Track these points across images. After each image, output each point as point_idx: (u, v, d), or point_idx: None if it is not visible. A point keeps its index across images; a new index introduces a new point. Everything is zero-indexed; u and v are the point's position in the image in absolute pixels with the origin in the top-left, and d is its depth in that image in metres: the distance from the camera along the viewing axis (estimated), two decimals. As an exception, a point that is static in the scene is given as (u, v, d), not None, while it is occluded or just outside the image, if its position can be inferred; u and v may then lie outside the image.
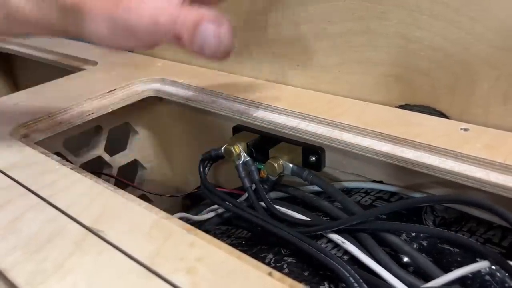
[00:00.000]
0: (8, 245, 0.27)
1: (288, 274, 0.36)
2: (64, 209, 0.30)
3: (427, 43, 0.42)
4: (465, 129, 0.40)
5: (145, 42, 0.29)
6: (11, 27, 0.32)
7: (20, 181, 0.34)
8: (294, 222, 0.42)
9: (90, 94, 0.52)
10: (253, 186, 0.47)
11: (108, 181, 0.56)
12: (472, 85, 0.41)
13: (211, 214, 0.50)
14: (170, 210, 0.45)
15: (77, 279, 0.24)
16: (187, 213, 0.51)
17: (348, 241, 0.38)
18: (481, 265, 0.31)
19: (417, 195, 0.43)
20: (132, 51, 0.73)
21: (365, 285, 0.33)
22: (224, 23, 0.27)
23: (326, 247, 0.39)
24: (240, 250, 0.26)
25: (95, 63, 0.67)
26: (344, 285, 0.34)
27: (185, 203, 0.64)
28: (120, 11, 0.28)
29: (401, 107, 0.46)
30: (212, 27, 0.27)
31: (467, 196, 0.37)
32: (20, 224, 0.29)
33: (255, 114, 0.48)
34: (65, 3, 0.29)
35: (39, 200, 0.32)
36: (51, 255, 0.26)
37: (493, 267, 0.33)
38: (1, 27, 0.32)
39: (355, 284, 0.32)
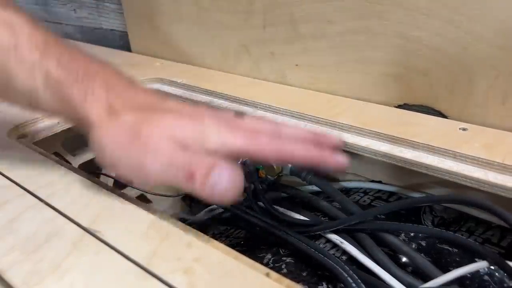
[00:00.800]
0: (6, 245, 0.27)
1: (287, 274, 0.36)
2: (61, 209, 0.30)
3: (426, 42, 0.42)
4: (464, 129, 0.40)
5: (152, 180, 0.28)
6: (30, 109, 0.32)
7: (18, 181, 0.34)
8: (293, 222, 0.42)
9: (88, 94, 0.52)
10: (252, 186, 0.47)
11: (106, 181, 0.56)
12: (471, 85, 0.41)
13: (209, 215, 0.49)
14: (169, 210, 0.45)
15: (74, 280, 0.24)
16: (186, 213, 0.51)
17: (347, 241, 0.38)
18: (480, 265, 0.31)
19: (416, 194, 0.43)
20: (130, 51, 0.74)
21: (363, 285, 0.33)
22: (237, 171, 0.27)
23: (324, 247, 0.39)
24: (238, 251, 0.26)
25: (94, 63, 0.67)
26: (342, 285, 0.34)
27: (184, 203, 0.64)
28: (135, 151, 0.28)
29: (399, 106, 0.46)
30: (227, 171, 0.26)
31: (466, 196, 0.36)
32: (17, 224, 0.29)
33: (254, 114, 0.48)
34: (88, 119, 0.30)
35: (37, 200, 0.31)
36: (48, 256, 0.26)
37: (492, 267, 0.33)
38: (20, 106, 0.32)
39: (353, 284, 0.32)
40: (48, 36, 0.31)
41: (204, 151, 0.28)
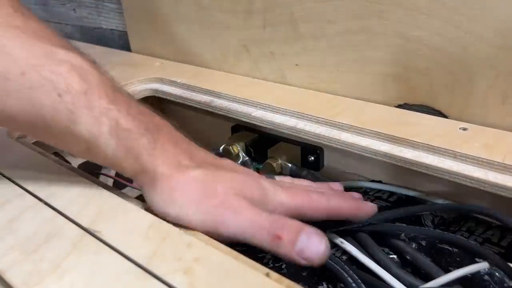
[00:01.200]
0: (5, 246, 0.27)
1: (286, 275, 0.36)
2: (61, 209, 0.30)
3: (426, 42, 0.42)
4: (464, 129, 0.40)
5: (232, 237, 0.29)
6: (84, 156, 0.32)
7: (17, 181, 0.34)
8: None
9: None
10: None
11: (106, 181, 0.56)
12: (471, 85, 0.41)
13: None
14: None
15: (74, 280, 0.24)
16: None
17: (347, 241, 0.38)
18: (480, 266, 0.31)
19: (416, 195, 0.43)
20: (130, 51, 0.73)
21: (363, 286, 0.33)
22: (324, 235, 0.28)
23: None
24: (238, 250, 0.26)
25: (93, 63, 0.66)
26: (342, 285, 0.34)
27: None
28: (212, 207, 0.29)
29: (399, 106, 0.46)
30: (315, 236, 0.27)
31: (468, 205, 0.36)
32: (17, 224, 0.29)
33: (253, 114, 0.48)
34: (155, 171, 0.29)
35: (36, 200, 0.31)
36: (48, 256, 0.26)
37: (492, 267, 0.33)
38: (74, 152, 0.32)
39: (354, 285, 0.32)
40: (115, 84, 0.31)
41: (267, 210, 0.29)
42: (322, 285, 0.36)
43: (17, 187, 0.33)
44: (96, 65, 0.31)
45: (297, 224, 0.28)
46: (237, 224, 0.28)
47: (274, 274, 0.24)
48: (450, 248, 0.37)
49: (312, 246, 0.27)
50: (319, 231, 0.28)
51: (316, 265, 0.27)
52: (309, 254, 0.26)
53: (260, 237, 0.27)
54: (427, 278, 0.33)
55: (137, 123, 0.30)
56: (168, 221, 0.29)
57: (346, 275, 0.33)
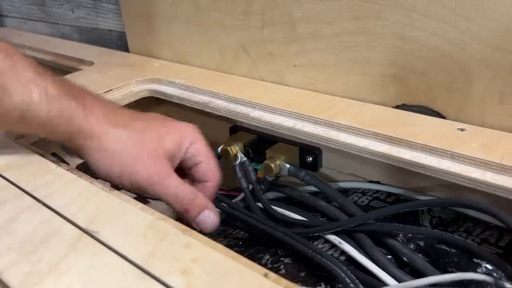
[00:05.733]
0: (3, 246, 0.27)
1: (285, 275, 0.36)
2: (59, 210, 0.30)
3: (423, 43, 0.42)
4: (462, 129, 0.40)
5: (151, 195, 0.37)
6: (20, 127, 0.35)
7: (15, 182, 0.34)
8: (291, 222, 0.42)
9: (86, 94, 0.52)
10: (250, 187, 0.47)
11: (104, 181, 0.56)
12: (468, 85, 0.41)
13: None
14: (168, 211, 0.45)
15: (72, 280, 0.24)
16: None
17: (345, 241, 0.38)
18: (480, 277, 0.31)
19: (414, 195, 0.43)
20: (129, 52, 0.73)
21: (361, 286, 0.33)
22: (217, 213, 0.37)
23: (323, 247, 0.39)
24: (237, 251, 0.26)
25: (91, 64, 0.66)
26: (340, 285, 0.34)
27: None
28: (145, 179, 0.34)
29: (397, 107, 0.46)
30: (212, 214, 0.36)
31: (466, 199, 0.36)
32: (15, 225, 0.29)
33: (251, 115, 0.48)
34: (91, 130, 0.33)
35: (34, 201, 0.31)
36: (46, 256, 0.26)
37: (490, 267, 0.33)
38: (10, 126, 0.35)
39: (351, 285, 0.32)
40: (39, 66, 0.34)
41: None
42: (321, 285, 0.36)
43: (14, 187, 0.33)
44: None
45: (203, 202, 0.36)
46: (164, 191, 0.35)
47: (272, 275, 0.24)
48: (448, 248, 0.37)
49: (208, 222, 0.36)
50: (215, 210, 0.37)
51: (206, 232, 0.36)
52: (204, 226, 0.36)
53: (174, 204, 0.35)
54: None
55: (64, 91, 0.33)
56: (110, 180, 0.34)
57: (344, 275, 0.33)
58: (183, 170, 0.39)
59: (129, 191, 0.35)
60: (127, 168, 0.34)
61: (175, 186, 0.35)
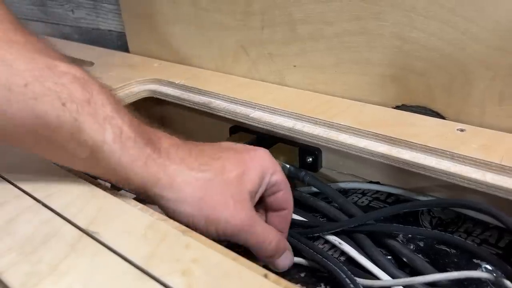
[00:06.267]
0: (3, 247, 0.27)
1: (285, 276, 0.36)
2: (59, 210, 0.30)
3: (423, 43, 0.42)
4: (461, 130, 0.40)
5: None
6: (86, 167, 0.31)
7: (15, 182, 0.34)
8: (291, 223, 0.42)
9: (86, 95, 0.52)
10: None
11: (105, 182, 0.56)
12: (468, 86, 0.41)
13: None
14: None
15: (72, 281, 0.24)
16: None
17: (345, 241, 0.38)
18: (480, 274, 0.31)
19: (414, 195, 0.43)
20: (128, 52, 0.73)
21: (361, 286, 0.33)
22: (291, 251, 0.37)
23: (323, 248, 0.39)
24: (237, 252, 0.26)
25: (91, 64, 0.66)
26: (340, 286, 0.34)
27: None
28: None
29: (397, 107, 0.46)
30: (290, 255, 0.36)
31: (466, 200, 0.37)
32: (15, 225, 0.29)
33: (251, 115, 0.48)
34: (173, 180, 0.31)
35: (34, 201, 0.31)
36: (46, 257, 0.26)
37: (489, 267, 0.33)
38: (77, 165, 0.31)
39: (351, 285, 0.32)
40: (116, 96, 0.32)
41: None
42: (321, 286, 0.36)
43: (14, 188, 0.33)
44: (96, 78, 0.31)
45: (285, 244, 0.36)
46: (253, 239, 0.33)
47: (272, 275, 0.24)
48: (448, 249, 0.37)
49: (287, 262, 0.36)
50: (291, 248, 0.37)
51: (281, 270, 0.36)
52: (283, 267, 0.36)
53: (260, 250, 0.34)
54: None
55: (140, 132, 0.30)
56: (194, 228, 0.30)
57: (344, 276, 0.33)
58: (259, 199, 0.36)
59: (213, 238, 0.30)
60: (214, 216, 0.31)
61: (262, 233, 0.33)
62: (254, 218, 0.33)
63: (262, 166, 0.34)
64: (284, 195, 0.36)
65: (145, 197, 0.32)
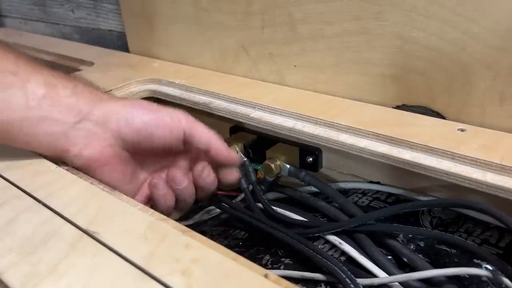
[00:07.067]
0: (3, 247, 0.27)
1: (285, 276, 0.36)
2: (59, 210, 0.30)
3: (424, 43, 0.42)
4: (462, 130, 0.40)
5: None
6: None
7: (15, 182, 0.34)
8: (292, 223, 0.42)
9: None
10: (250, 187, 0.47)
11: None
12: (469, 86, 0.41)
13: (208, 216, 0.49)
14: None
15: (72, 281, 0.24)
16: (184, 214, 0.51)
17: (345, 241, 0.38)
18: (480, 272, 0.31)
19: (415, 195, 0.43)
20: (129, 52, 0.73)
21: (361, 286, 0.33)
22: None
23: (323, 248, 0.39)
24: (237, 251, 0.26)
25: (91, 64, 0.66)
26: (341, 286, 0.34)
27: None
28: None
29: (398, 107, 0.46)
30: None
31: (467, 200, 0.36)
32: (15, 225, 0.29)
33: (252, 115, 0.48)
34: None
35: (34, 201, 0.31)
36: (46, 257, 0.26)
37: (490, 267, 0.33)
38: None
39: (352, 286, 0.32)
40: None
41: None
42: (321, 286, 0.36)
43: (14, 188, 0.33)
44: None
45: None
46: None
47: (273, 275, 0.24)
48: (448, 249, 0.37)
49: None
50: None
51: None
52: None
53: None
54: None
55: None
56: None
57: (344, 276, 0.33)
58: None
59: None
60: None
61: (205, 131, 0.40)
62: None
63: None
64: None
65: (98, 119, 0.35)
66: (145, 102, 0.39)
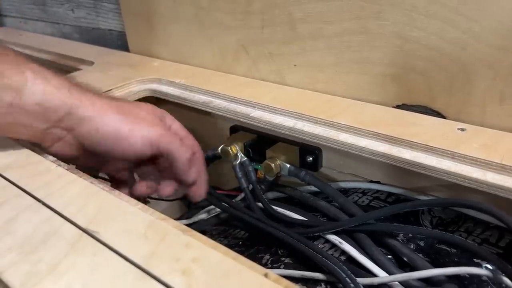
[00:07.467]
0: (3, 246, 0.27)
1: (285, 275, 0.36)
2: (59, 210, 0.30)
3: (424, 42, 0.42)
4: (462, 129, 0.40)
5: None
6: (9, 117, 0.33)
7: (15, 181, 0.34)
8: (292, 222, 0.42)
9: (86, 94, 0.52)
10: (250, 187, 0.47)
11: (105, 182, 0.56)
12: (469, 85, 0.41)
13: (208, 215, 0.49)
14: (167, 211, 0.45)
15: (72, 281, 0.24)
16: (184, 214, 0.51)
17: (346, 241, 0.38)
18: (480, 271, 0.31)
19: (415, 195, 0.43)
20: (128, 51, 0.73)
21: (361, 286, 0.33)
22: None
23: (323, 247, 0.39)
24: (237, 251, 0.26)
25: (91, 63, 0.66)
26: (341, 286, 0.34)
27: (182, 204, 0.64)
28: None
29: (398, 107, 0.46)
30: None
31: (467, 199, 0.36)
32: (15, 225, 0.29)
33: (252, 114, 0.48)
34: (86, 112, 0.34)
35: (34, 201, 0.31)
36: (46, 256, 0.26)
37: (490, 267, 0.33)
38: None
39: (352, 285, 0.32)
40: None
41: None
42: (321, 285, 0.36)
43: (14, 187, 0.33)
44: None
45: None
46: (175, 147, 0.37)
47: (273, 275, 0.24)
48: (448, 248, 0.37)
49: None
50: None
51: None
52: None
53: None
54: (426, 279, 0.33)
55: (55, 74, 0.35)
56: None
57: (345, 276, 0.33)
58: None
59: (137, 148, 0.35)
60: (138, 126, 0.36)
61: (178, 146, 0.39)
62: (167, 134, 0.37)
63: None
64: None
65: (67, 127, 0.34)
66: (128, 108, 0.37)
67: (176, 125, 0.40)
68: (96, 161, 0.39)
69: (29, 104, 0.32)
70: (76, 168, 0.36)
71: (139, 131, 0.35)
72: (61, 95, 0.33)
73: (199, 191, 0.40)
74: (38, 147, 0.37)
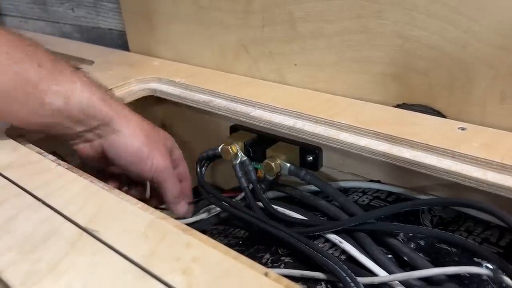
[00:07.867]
0: (3, 245, 0.27)
1: (286, 274, 0.36)
2: (59, 209, 0.30)
3: (424, 42, 0.42)
4: (462, 128, 0.40)
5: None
6: (56, 117, 0.37)
7: (15, 180, 0.34)
8: (292, 222, 0.42)
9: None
10: (250, 186, 0.47)
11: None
12: (469, 84, 0.41)
13: (208, 214, 0.49)
14: (167, 210, 0.45)
15: (71, 280, 0.24)
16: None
17: (346, 240, 0.38)
18: (480, 270, 0.31)
19: (415, 194, 0.43)
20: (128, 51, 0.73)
21: (361, 285, 0.33)
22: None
23: (323, 246, 0.39)
24: (237, 250, 0.26)
25: (91, 62, 0.66)
26: (341, 285, 0.34)
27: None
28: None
29: (398, 106, 0.46)
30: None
31: (467, 199, 0.36)
32: (15, 224, 0.29)
33: (252, 114, 0.48)
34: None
35: (34, 200, 0.31)
36: (45, 256, 0.26)
37: (491, 266, 0.33)
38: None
39: (352, 284, 0.32)
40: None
41: None
42: (321, 284, 0.36)
43: (14, 186, 0.33)
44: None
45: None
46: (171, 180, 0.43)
47: (273, 274, 0.24)
48: (448, 248, 0.37)
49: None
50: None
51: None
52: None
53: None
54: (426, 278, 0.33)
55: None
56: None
57: (345, 275, 0.33)
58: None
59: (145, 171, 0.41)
60: (152, 153, 0.41)
61: (174, 178, 0.44)
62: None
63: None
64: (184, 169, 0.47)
65: (100, 134, 0.39)
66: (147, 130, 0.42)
67: (178, 154, 0.46)
68: (105, 164, 0.42)
69: (75, 110, 0.37)
70: (79, 167, 0.37)
71: (153, 158, 0.40)
72: (102, 106, 0.38)
73: (181, 210, 0.45)
74: (58, 141, 0.41)
